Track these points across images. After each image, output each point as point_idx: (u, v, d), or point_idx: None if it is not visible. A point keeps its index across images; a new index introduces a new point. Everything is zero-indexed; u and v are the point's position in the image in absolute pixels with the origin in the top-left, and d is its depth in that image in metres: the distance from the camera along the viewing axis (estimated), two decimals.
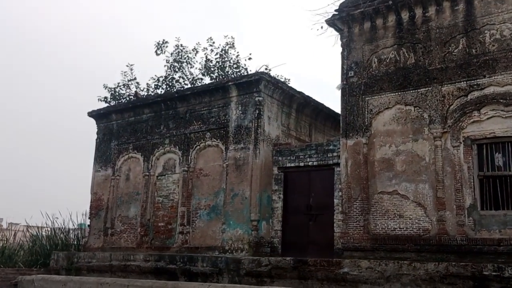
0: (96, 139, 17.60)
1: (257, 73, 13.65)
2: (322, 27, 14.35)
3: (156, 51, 24.75)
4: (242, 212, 13.18)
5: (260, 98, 13.67)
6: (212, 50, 23.94)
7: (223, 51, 24.08)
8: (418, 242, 10.74)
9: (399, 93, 11.75)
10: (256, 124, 13.56)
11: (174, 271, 12.65)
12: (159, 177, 15.54)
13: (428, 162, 11.07)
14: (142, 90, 24.27)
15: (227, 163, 13.85)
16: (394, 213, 11.23)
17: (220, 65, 24.00)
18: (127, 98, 24.22)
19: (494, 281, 8.86)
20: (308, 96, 15.12)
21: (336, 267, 10.07)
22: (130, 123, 16.69)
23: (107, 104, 24.09)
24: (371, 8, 12.32)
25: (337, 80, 13.02)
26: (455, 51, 11.26)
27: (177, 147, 15.15)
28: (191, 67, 24.66)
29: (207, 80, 24.24)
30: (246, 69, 24.34)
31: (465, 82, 10.95)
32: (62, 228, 18.67)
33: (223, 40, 24.47)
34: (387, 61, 12.14)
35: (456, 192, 10.61)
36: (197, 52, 24.70)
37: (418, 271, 9.20)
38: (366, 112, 12.14)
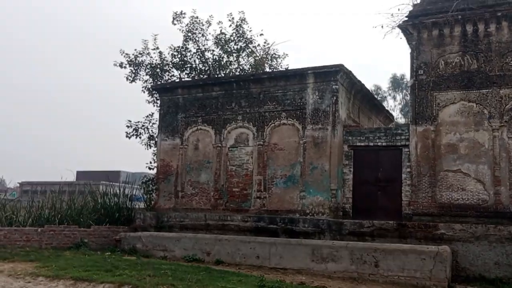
0: (160, 111, 19.24)
1: (336, 65, 15.95)
2: (382, 27, 16.90)
3: (173, 21, 26.14)
4: (322, 182, 15.78)
5: (337, 86, 16.12)
6: (230, 25, 25.80)
7: (238, 26, 25.96)
8: (478, 209, 13.98)
9: (463, 91, 14.73)
10: (334, 109, 16.04)
11: (276, 230, 15.12)
12: (230, 149, 17.65)
13: (487, 148, 14.24)
14: (163, 59, 25.69)
15: (304, 140, 16.26)
16: (458, 187, 14.38)
17: (234, 39, 25.91)
18: (148, 66, 25.53)
19: None
20: (362, 84, 17.74)
21: (433, 229, 13.10)
22: (198, 99, 18.48)
23: (125, 68, 25.35)
24: (442, 19, 15.03)
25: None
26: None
27: (251, 123, 17.30)
28: (205, 40, 26.35)
29: (217, 51, 26.10)
30: (258, 44, 26.52)
31: None
32: (114, 190, 20.24)
33: (236, 15, 26.12)
34: (453, 64, 15.01)
35: (509, 172, 13.90)
36: (210, 24, 26.39)
37: (503, 232, 12.43)
38: (434, 104, 15.04)
